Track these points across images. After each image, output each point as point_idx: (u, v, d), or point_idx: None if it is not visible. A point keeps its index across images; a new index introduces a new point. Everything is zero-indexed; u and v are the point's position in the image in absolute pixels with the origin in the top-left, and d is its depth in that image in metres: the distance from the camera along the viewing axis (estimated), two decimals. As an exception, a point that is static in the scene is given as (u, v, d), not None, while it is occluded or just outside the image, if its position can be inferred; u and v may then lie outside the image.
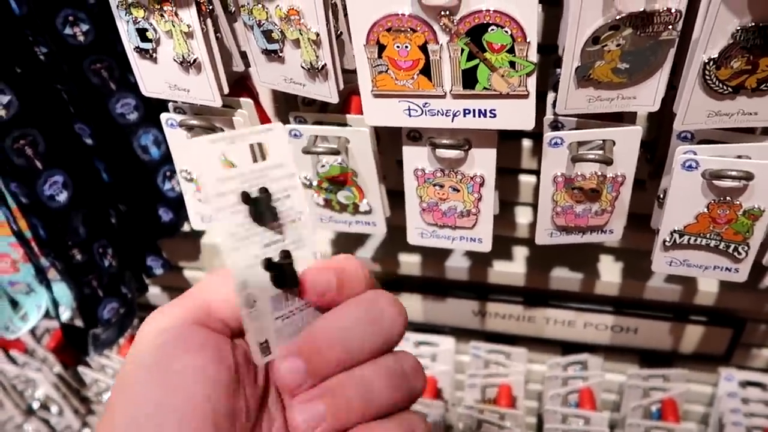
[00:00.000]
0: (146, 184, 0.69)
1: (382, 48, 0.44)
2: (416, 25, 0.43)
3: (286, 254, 0.32)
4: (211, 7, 0.49)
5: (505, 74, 0.44)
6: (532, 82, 0.44)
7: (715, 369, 0.80)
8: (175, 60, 0.50)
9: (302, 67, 0.48)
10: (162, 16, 0.48)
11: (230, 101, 0.54)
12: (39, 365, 0.95)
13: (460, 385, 0.85)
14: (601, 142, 0.49)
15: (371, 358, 0.32)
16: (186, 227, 0.74)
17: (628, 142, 0.49)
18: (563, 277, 0.71)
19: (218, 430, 0.28)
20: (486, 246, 0.57)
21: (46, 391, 0.96)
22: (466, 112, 0.47)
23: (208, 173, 0.29)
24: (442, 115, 0.47)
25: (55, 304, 0.71)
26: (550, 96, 0.51)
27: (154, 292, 0.88)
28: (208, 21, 0.49)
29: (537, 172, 0.61)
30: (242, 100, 0.55)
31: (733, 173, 0.46)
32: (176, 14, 0.48)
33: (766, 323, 0.74)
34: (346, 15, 0.45)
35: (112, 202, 0.69)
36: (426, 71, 0.45)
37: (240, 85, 0.56)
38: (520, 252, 0.73)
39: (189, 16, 0.48)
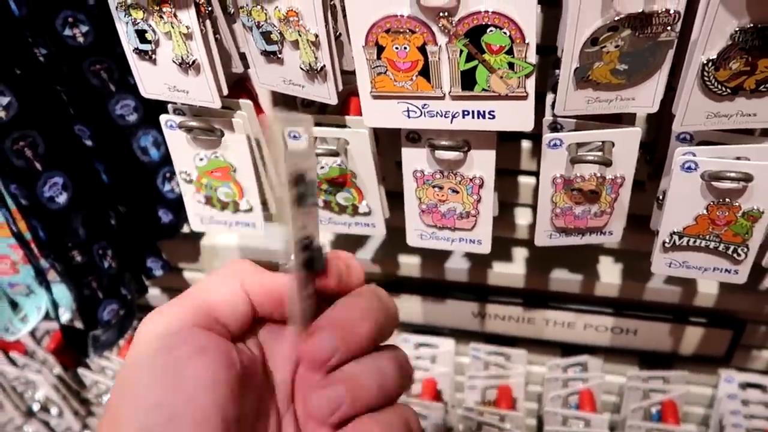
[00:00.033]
0: (146, 185, 0.69)
1: (381, 49, 0.44)
2: (415, 26, 0.43)
3: (313, 238, 0.32)
4: (210, 9, 0.49)
5: (504, 75, 0.44)
6: (530, 84, 0.44)
7: (715, 370, 0.80)
8: (174, 61, 0.50)
9: (301, 68, 0.48)
10: (161, 17, 0.48)
11: (229, 102, 0.54)
12: (39, 367, 0.94)
13: (460, 386, 0.85)
14: (601, 143, 0.49)
15: (381, 343, 0.33)
16: (186, 228, 0.74)
17: (627, 143, 0.49)
18: (563, 278, 0.71)
19: None
20: (485, 247, 0.57)
21: (46, 393, 0.96)
22: (465, 113, 0.47)
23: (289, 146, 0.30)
24: (441, 116, 0.47)
25: (55, 305, 0.71)
26: (549, 97, 0.51)
27: (153, 293, 0.88)
28: (207, 22, 0.49)
29: (536, 174, 0.61)
30: (241, 101, 0.55)
31: (732, 175, 0.46)
32: (175, 15, 0.48)
33: (766, 325, 0.73)
34: (344, 16, 0.45)
35: (112, 204, 0.69)
36: (425, 72, 0.45)
37: (239, 87, 0.56)
38: (520, 253, 0.73)
39: (188, 17, 0.48)
